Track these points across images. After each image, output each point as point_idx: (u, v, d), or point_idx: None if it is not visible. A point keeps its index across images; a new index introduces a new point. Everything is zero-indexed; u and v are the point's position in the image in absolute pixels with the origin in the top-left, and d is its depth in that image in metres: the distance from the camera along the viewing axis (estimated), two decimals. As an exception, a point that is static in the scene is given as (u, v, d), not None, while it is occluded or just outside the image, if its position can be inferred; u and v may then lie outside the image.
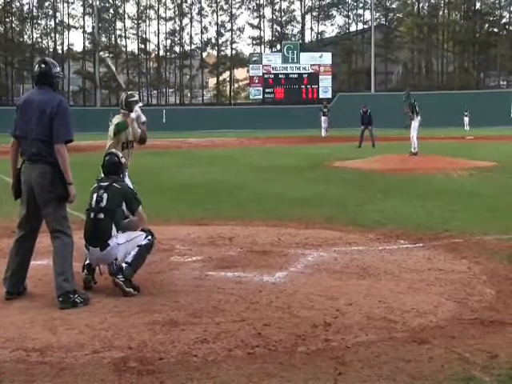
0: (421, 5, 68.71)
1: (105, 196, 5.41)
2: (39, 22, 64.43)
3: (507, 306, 4.82)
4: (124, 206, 5.54)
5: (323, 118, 36.65)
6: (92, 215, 5.42)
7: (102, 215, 5.36)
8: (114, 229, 5.38)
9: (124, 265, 5.26)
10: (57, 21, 64.26)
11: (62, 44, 65.01)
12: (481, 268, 5.98)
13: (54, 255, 5.15)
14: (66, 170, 5.05)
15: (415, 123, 19.24)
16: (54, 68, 5.26)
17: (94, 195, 5.47)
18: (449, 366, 3.70)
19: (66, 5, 64.50)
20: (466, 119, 42.81)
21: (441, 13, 68.80)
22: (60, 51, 64.41)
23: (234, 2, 65.58)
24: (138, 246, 5.38)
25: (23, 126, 5.14)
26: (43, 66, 5.23)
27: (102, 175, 5.74)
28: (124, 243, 5.37)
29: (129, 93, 6.95)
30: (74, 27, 65.14)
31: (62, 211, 5.18)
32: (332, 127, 37.91)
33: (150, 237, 5.49)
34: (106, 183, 5.52)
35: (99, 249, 5.31)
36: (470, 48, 65.89)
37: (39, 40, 64.91)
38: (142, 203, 5.61)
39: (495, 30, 67.38)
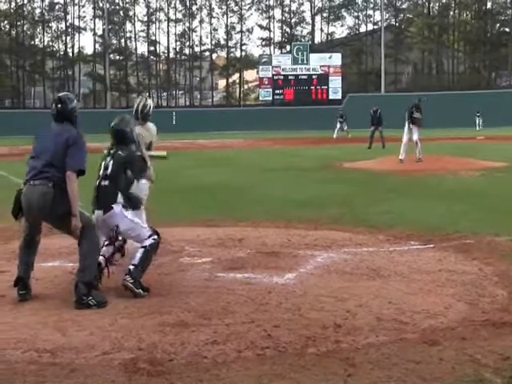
0: (431, 5, 68.50)
1: (110, 163, 5.56)
2: (50, 25, 64.82)
3: (519, 308, 4.79)
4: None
5: (339, 125, 36.17)
6: (98, 182, 5.57)
7: (107, 182, 5.50)
8: (119, 195, 5.44)
9: (131, 267, 5.27)
10: (67, 24, 64.64)
11: (73, 47, 65.44)
12: (492, 269, 5.94)
13: (82, 250, 5.20)
14: (74, 200, 5.05)
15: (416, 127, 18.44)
16: (70, 104, 5.36)
17: (102, 163, 5.64)
18: (460, 367, 3.68)
19: (76, 8, 64.88)
20: (479, 120, 42.64)
21: (451, 13, 68.54)
22: (70, 54, 64.78)
23: (243, 4, 65.67)
24: (143, 246, 5.38)
25: (37, 148, 5.27)
26: (59, 105, 5.32)
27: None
28: (130, 219, 5.43)
29: (143, 103, 6.88)
30: (85, 30, 65.52)
31: (70, 217, 5.09)
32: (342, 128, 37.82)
33: (155, 236, 5.48)
34: (112, 151, 5.67)
35: (102, 212, 5.41)
36: (481, 48, 65.56)
37: (50, 43, 65.31)
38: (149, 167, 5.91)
39: (506, 29, 67.04)
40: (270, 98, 53.68)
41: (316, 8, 67.34)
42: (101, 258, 5.63)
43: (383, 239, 7.44)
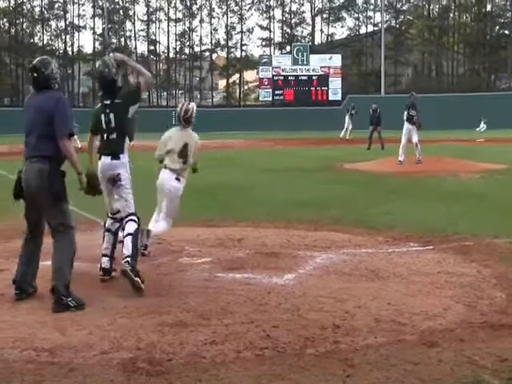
0: (431, 7, 68.54)
1: (112, 116, 5.67)
2: (49, 23, 64.76)
3: (517, 310, 4.79)
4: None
5: (347, 119, 35.11)
6: (105, 136, 5.69)
7: (114, 135, 5.67)
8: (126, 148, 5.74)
9: (128, 258, 5.37)
10: (67, 22, 64.57)
11: (72, 45, 65.31)
12: (491, 271, 5.95)
13: (53, 251, 5.14)
14: (74, 161, 5.08)
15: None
16: (46, 70, 5.19)
17: (102, 116, 5.71)
18: (458, 369, 3.69)
19: (75, 6, 64.82)
20: (483, 125, 42.62)
21: (451, 15, 68.57)
22: (70, 52, 64.71)
23: (243, 4, 65.67)
24: (129, 234, 5.52)
25: (28, 122, 5.21)
26: (35, 74, 5.19)
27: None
28: (129, 177, 5.70)
29: (185, 107, 6.82)
30: (84, 28, 65.47)
31: (62, 206, 5.15)
32: (342, 129, 37.77)
33: (136, 217, 5.67)
34: (108, 101, 5.73)
35: (110, 158, 5.66)
36: (481, 50, 65.59)
37: (50, 42, 65.24)
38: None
39: (506, 32, 67.07)
40: (270, 99, 53.65)
41: (316, 9, 67.35)
42: (104, 260, 5.78)
43: (382, 240, 7.45)
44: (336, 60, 54.17)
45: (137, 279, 5.27)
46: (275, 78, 52.53)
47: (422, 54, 66.22)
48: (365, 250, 6.99)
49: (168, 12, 66.63)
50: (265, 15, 66.76)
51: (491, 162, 17.85)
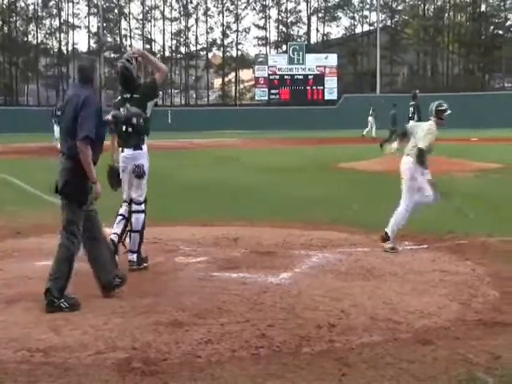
0: (426, 7, 68.66)
1: (133, 110, 6.02)
2: (44, 21, 64.52)
3: (511, 308, 4.81)
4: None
5: (371, 119, 34.79)
6: (124, 128, 5.92)
7: (130, 129, 5.96)
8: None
9: (133, 255, 6.05)
10: (61, 20, 64.37)
11: (67, 44, 65.10)
12: (485, 269, 5.97)
13: (55, 257, 5.09)
14: (89, 169, 4.96)
15: None
16: (80, 61, 5.52)
17: (121, 109, 5.97)
18: (452, 367, 3.70)
19: (70, 4, 64.62)
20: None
21: (446, 15, 68.70)
22: (65, 51, 64.53)
23: (239, 3, 65.63)
24: (137, 230, 6.06)
25: (63, 114, 5.23)
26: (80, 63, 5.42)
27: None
28: (148, 167, 6.11)
29: (438, 102, 7.54)
30: (79, 27, 65.28)
31: (72, 214, 5.06)
32: (337, 128, 37.79)
33: (144, 209, 6.18)
34: (127, 95, 6.10)
35: (132, 149, 6.04)
36: (475, 50, 65.73)
37: (44, 40, 65.02)
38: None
39: (500, 32, 67.24)
40: (266, 98, 53.62)
41: (312, 8, 67.37)
42: (113, 235, 6.08)
43: (378, 239, 7.44)
44: (332, 59, 54.19)
45: (142, 266, 6.03)
46: (271, 77, 52.52)
47: (418, 54, 66.30)
48: (360, 249, 7.00)
49: (164, 11, 66.57)
50: (261, 14, 66.78)
51: (485, 161, 17.90)
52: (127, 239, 6.21)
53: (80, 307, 4.89)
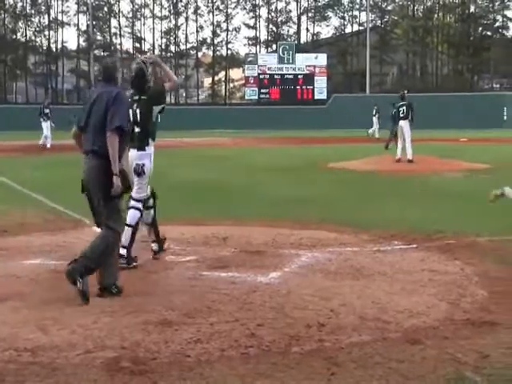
0: (416, 7, 68.93)
1: (138, 111, 6.20)
2: (32, 19, 64.13)
3: (499, 307, 4.84)
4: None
5: (375, 119, 34.18)
6: (132, 129, 6.02)
7: (138, 129, 6.17)
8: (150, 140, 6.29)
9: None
10: (50, 18, 64.01)
11: (56, 42, 64.76)
12: (473, 269, 6.00)
13: (90, 244, 5.18)
14: (114, 159, 5.03)
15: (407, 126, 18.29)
16: (104, 61, 5.90)
17: (130, 111, 6.02)
18: (441, 366, 3.71)
19: (59, 2, 64.28)
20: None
21: (435, 15, 69.01)
22: (54, 49, 64.18)
23: (229, 2, 65.58)
24: (130, 225, 6.13)
25: (83, 117, 5.27)
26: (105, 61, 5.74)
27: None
28: (151, 166, 6.30)
29: None
30: (68, 25, 64.95)
31: (114, 208, 5.20)
32: (327, 128, 37.85)
33: (140, 207, 6.30)
34: (136, 97, 6.23)
35: (136, 149, 6.18)
36: (464, 51, 66.10)
37: (32, 38, 64.63)
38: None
39: (489, 33, 67.64)
40: (256, 97, 53.63)
41: (302, 8, 67.46)
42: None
43: (367, 239, 7.48)
44: (321, 59, 54.28)
45: (131, 265, 6.05)
46: (261, 76, 52.52)
47: (407, 54, 66.57)
48: (350, 248, 7.01)
49: (153, 9, 66.38)
50: (251, 14, 66.77)
51: (475, 161, 18.01)
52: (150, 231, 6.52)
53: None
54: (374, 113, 33.93)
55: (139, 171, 6.20)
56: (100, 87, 5.41)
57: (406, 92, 19.73)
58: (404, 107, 18.29)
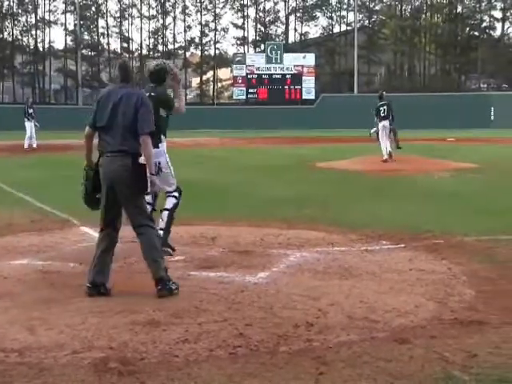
0: (403, 7, 69.24)
1: None
2: (19, 18, 63.71)
3: (486, 306, 4.87)
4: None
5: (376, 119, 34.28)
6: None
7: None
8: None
9: (160, 232, 6.20)
10: (37, 17, 63.62)
11: (43, 41, 64.39)
12: (461, 268, 6.03)
13: (143, 248, 5.24)
14: (151, 161, 5.20)
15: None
16: (120, 61, 5.84)
17: None
18: (429, 365, 3.73)
19: (46, 1, 63.91)
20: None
21: (423, 16, 69.34)
22: (41, 48, 63.82)
23: (217, 2, 65.51)
24: (166, 209, 6.60)
25: (105, 117, 5.22)
26: (122, 63, 5.69)
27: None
28: (167, 161, 6.65)
29: None
30: (55, 24, 64.59)
31: (143, 204, 5.35)
32: (315, 128, 37.87)
33: (177, 194, 6.76)
34: (148, 93, 6.25)
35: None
36: (452, 51, 66.46)
37: (19, 37, 64.21)
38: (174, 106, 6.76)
39: (476, 33, 68.07)
40: (244, 97, 53.58)
41: (290, 8, 67.52)
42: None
43: (355, 239, 7.50)
44: (309, 59, 54.35)
45: (167, 249, 6.31)
46: (249, 76, 52.50)
47: (395, 54, 66.83)
48: (338, 248, 7.03)
49: (141, 9, 66.18)
50: (239, 14, 66.75)
51: (462, 161, 18.11)
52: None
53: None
54: (375, 113, 33.65)
55: (156, 170, 6.30)
56: (119, 87, 5.37)
57: (383, 92, 19.94)
58: (385, 107, 18.44)
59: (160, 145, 6.46)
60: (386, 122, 18.33)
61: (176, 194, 6.75)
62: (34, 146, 25.60)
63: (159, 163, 6.39)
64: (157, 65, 6.78)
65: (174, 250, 6.54)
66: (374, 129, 30.59)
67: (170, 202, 6.71)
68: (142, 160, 5.23)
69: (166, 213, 6.62)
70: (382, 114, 18.42)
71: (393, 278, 5.69)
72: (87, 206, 5.53)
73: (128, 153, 5.14)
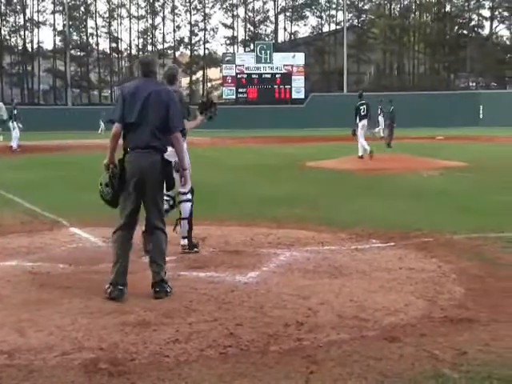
0: (393, 6, 69.48)
1: None
2: (7, 18, 63.37)
3: (476, 304, 4.89)
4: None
5: (380, 118, 32.85)
6: None
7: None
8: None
9: (184, 241, 6.71)
10: (26, 18, 63.31)
11: (32, 42, 64.14)
12: (450, 267, 6.06)
13: (151, 247, 5.34)
14: (184, 156, 5.36)
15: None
16: (143, 57, 5.92)
17: None
18: (419, 363, 3.74)
19: (35, 2, 63.63)
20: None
21: (412, 15, 69.61)
22: (30, 49, 63.52)
23: (207, 2, 65.47)
24: (184, 218, 6.74)
25: (135, 113, 5.13)
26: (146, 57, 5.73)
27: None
28: (188, 158, 6.55)
29: None
30: (44, 24, 64.30)
31: (162, 207, 5.39)
32: (305, 127, 37.91)
33: (190, 197, 6.84)
34: None
35: (172, 145, 6.16)
36: (441, 50, 66.78)
37: (7, 37, 63.86)
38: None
39: (464, 32, 68.42)
40: (234, 97, 53.64)
41: (279, 7, 67.60)
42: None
43: (345, 237, 7.51)
44: (299, 58, 54.46)
45: (194, 250, 6.71)
46: (238, 75, 52.56)
47: (384, 53, 67.08)
48: (328, 247, 7.04)
49: (130, 9, 66.03)
50: (229, 13, 66.72)
51: (451, 159, 18.19)
52: (177, 228, 6.77)
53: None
54: (378, 112, 33.52)
55: (177, 168, 6.35)
56: (145, 82, 5.30)
57: (362, 92, 20.47)
58: (365, 106, 18.80)
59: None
60: (365, 121, 18.73)
61: (189, 196, 6.85)
62: (14, 146, 25.31)
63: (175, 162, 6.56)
64: (169, 68, 7.06)
65: (197, 247, 6.82)
66: (378, 128, 30.43)
67: (185, 211, 6.79)
68: (168, 157, 5.25)
69: (184, 222, 6.77)
70: (362, 113, 18.82)
71: (383, 277, 5.70)
72: (110, 204, 5.32)
73: (158, 149, 5.14)
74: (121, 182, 5.14)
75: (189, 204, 6.84)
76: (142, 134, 5.11)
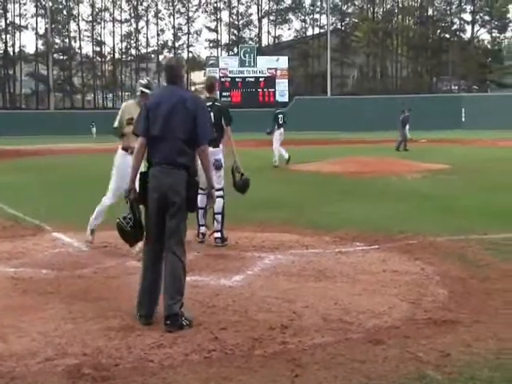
0: (376, 10, 69.93)
1: (212, 115, 6.99)
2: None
3: (459, 306, 4.93)
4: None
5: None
6: None
7: (214, 129, 6.64)
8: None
9: (217, 233, 7.32)
10: (7, 21, 62.81)
11: (14, 45, 63.64)
12: (434, 269, 6.10)
13: (165, 274, 4.62)
14: (211, 173, 4.82)
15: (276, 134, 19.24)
16: (170, 60, 5.08)
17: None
18: (403, 365, 3.76)
19: (16, 5, 63.17)
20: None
21: (395, 18, 70.10)
22: (11, 53, 63.03)
23: (190, 6, 65.43)
24: (218, 213, 7.36)
25: (159, 126, 4.64)
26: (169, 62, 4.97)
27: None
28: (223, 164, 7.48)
29: None
30: (26, 28, 63.85)
31: (184, 228, 4.73)
32: (289, 130, 37.89)
33: (222, 194, 7.45)
34: (209, 103, 7.09)
35: (212, 146, 6.63)
36: (423, 53, 67.31)
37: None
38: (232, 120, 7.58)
39: (447, 35, 69.03)
40: (218, 100, 53.62)
41: (263, 11, 67.73)
42: (202, 227, 7.47)
43: (329, 241, 7.54)
44: (283, 62, 54.60)
45: (225, 243, 7.29)
46: (222, 79, 52.54)
47: (367, 56, 67.46)
48: (312, 250, 7.05)
49: (113, 12, 65.80)
50: (212, 17, 66.73)
51: (433, 162, 18.32)
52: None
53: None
54: (273, 119, 33.82)
55: (218, 165, 7.17)
56: (169, 90, 4.81)
57: (277, 101, 21.36)
58: (282, 115, 19.48)
59: (220, 144, 7.36)
60: (282, 130, 19.23)
61: (221, 193, 7.37)
62: None
63: (220, 159, 7.38)
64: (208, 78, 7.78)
65: (227, 241, 7.37)
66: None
67: (219, 206, 7.25)
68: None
69: (218, 216, 7.38)
70: (280, 122, 19.36)
71: (367, 280, 5.73)
72: (131, 236, 4.90)
73: (185, 166, 4.60)
74: (143, 196, 4.66)
75: (222, 200, 7.36)
76: (167, 148, 4.59)
